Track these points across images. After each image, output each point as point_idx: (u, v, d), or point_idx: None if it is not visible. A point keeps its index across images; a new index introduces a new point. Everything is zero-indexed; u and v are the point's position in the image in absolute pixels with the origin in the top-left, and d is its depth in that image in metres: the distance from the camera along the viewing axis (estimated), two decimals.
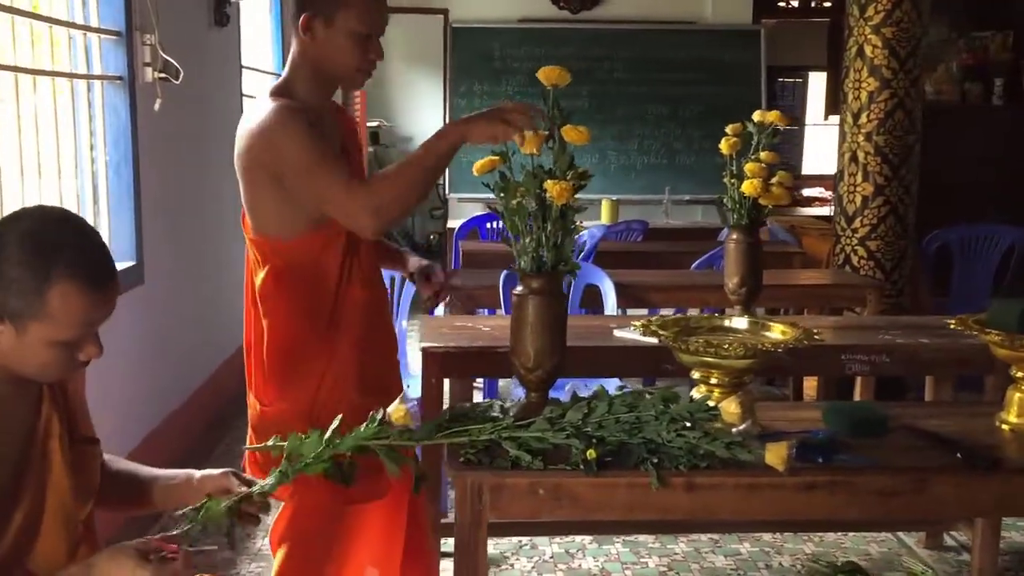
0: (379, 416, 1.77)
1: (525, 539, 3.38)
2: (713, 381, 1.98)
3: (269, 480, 1.73)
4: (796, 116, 12.09)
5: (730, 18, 8.23)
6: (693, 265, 4.59)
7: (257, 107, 1.99)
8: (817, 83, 11.57)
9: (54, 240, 1.43)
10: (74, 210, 3.32)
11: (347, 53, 2.04)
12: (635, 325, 2.06)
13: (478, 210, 7.70)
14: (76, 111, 3.35)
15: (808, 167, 11.84)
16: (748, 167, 2.89)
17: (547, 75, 2.00)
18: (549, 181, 1.89)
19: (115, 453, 2.06)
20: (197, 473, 1.74)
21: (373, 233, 1.98)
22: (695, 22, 8.24)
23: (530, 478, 1.78)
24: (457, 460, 1.81)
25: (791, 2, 9.27)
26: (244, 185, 2.01)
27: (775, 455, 1.76)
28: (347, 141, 2.16)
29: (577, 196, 1.94)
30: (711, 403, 1.88)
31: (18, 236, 1.42)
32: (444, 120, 7.77)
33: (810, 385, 5.02)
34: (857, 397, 3.82)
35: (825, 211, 7.45)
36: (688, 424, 1.82)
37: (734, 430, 1.88)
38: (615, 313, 3.82)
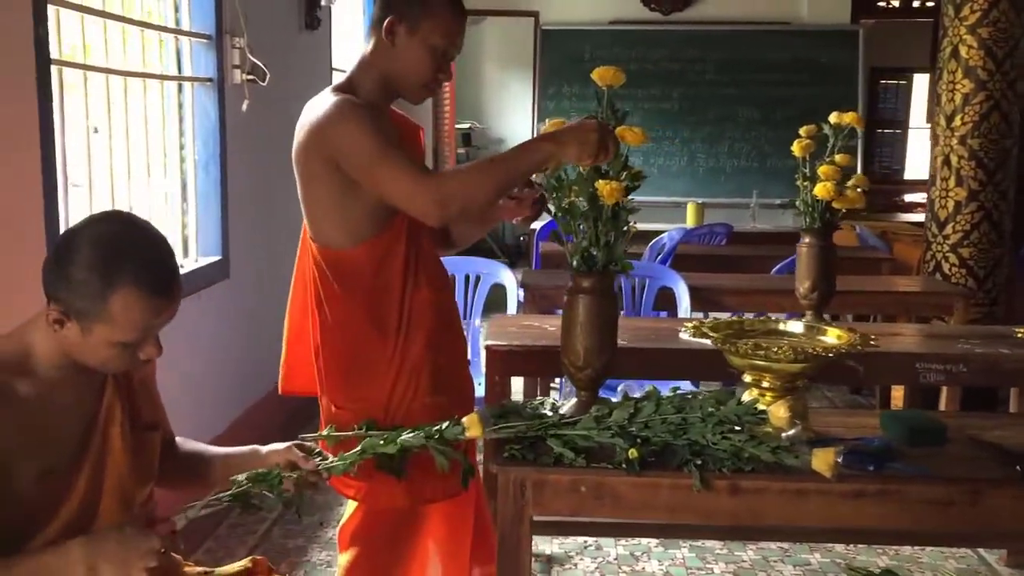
0: (455, 422, 1.82)
1: (590, 539, 3.38)
2: (765, 385, 1.96)
3: (337, 462, 1.79)
4: (899, 119, 11.75)
5: (827, 18, 8.07)
6: (773, 269, 4.51)
7: (317, 102, 2.01)
8: (922, 85, 11.24)
9: (121, 248, 1.50)
10: (163, 207, 3.47)
11: (421, 65, 2.05)
12: (686, 327, 2.05)
13: None
14: (165, 111, 3.49)
15: (911, 172, 11.50)
16: (821, 170, 2.86)
17: (602, 76, 2.03)
18: (600, 181, 1.91)
19: (207, 437, 2.17)
20: (263, 448, 1.81)
21: (436, 222, 1.97)
22: (790, 22, 8.10)
23: (572, 475, 1.80)
24: (501, 455, 1.83)
25: (891, 2, 9.02)
26: (302, 185, 2.04)
27: (822, 461, 1.73)
28: (406, 145, 2.13)
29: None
30: (760, 407, 1.87)
31: (88, 241, 1.49)
32: (533, 122, 7.81)
33: (898, 395, 4.88)
34: (942, 407, 3.71)
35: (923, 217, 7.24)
36: (736, 427, 1.81)
37: (783, 435, 1.86)
38: (687, 316, 3.79)
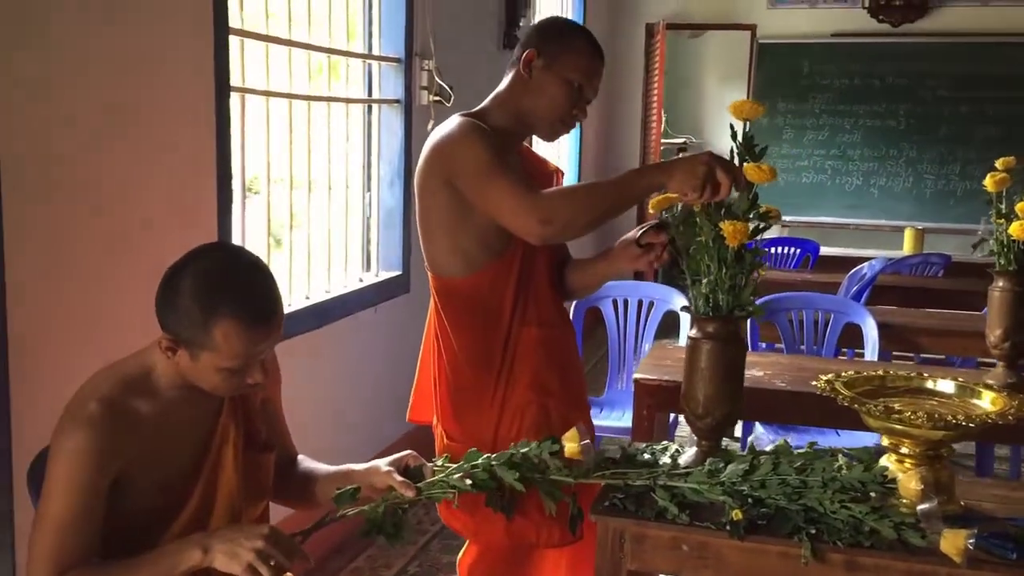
0: (552, 446, 1.78)
1: None
2: (904, 450, 1.78)
3: (436, 490, 1.77)
4: None
5: None
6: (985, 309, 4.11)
7: (443, 125, 2.04)
8: None
9: (221, 280, 1.56)
10: (344, 223, 3.63)
11: (556, 99, 2.04)
12: (819, 379, 1.90)
13: (772, 232, 7.42)
14: (349, 131, 3.64)
15: None
16: (1019, 207, 2.58)
17: (738, 109, 1.91)
18: (725, 222, 1.80)
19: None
20: (360, 467, 1.81)
21: (538, 240, 1.94)
22: None
23: (674, 532, 1.71)
24: (602, 503, 1.77)
25: None
26: (420, 208, 2.06)
27: (951, 543, 1.55)
28: (535, 182, 2.07)
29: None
30: (893, 474, 1.70)
31: (194, 273, 1.57)
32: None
33: None
34: None
35: None
36: (859, 495, 1.66)
37: (918, 508, 1.68)
38: (874, 358, 3.51)
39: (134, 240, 2.32)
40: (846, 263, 5.37)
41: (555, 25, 2.14)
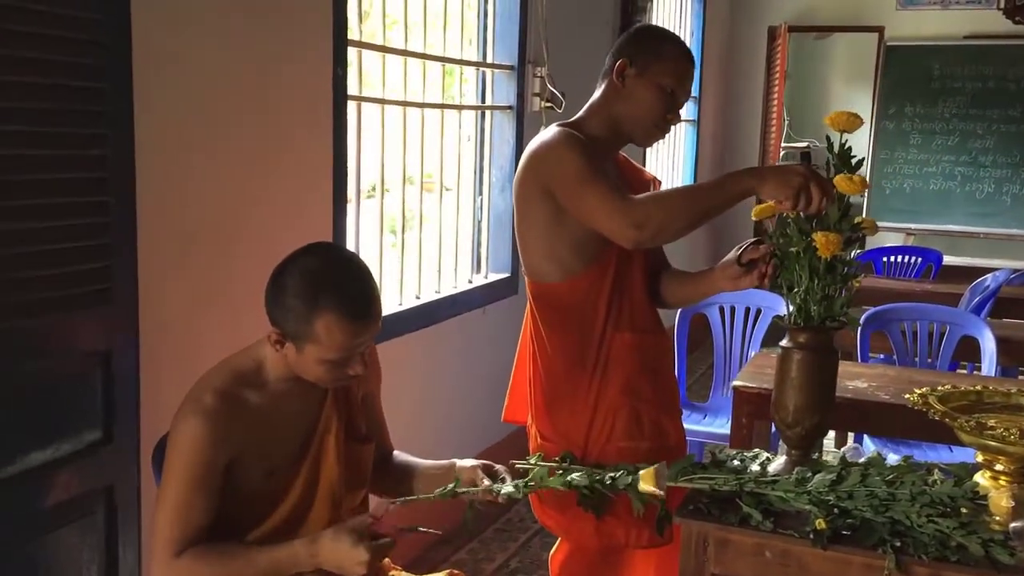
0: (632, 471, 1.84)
1: None
2: (998, 467, 1.75)
3: (508, 488, 1.85)
4: None
5: None
6: None
7: (541, 134, 2.10)
8: None
9: (324, 277, 1.67)
10: (454, 225, 3.74)
11: (649, 105, 2.09)
12: (913, 393, 1.88)
13: (896, 240, 7.21)
14: (461, 137, 3.74)
15: None
16: None
17: (835, 120, 1.92)
18: (817, 232, 1.81)
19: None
20: (459, 463, 1.92)
21: (632, 244, 1.96)
22: None
23: (758, 538, 1.73)
24: (688, 507, 1.80)
25: None
26: (517, 214, 2.13)
27: None
28: (630, 189, 2.12)
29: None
30: (984, 491, 1.68)
31: (299, 271, 1.68)
32: (868, 143, 7.38)
33: None
34: None
35: None
36: (947, 510, 1.65)
37: (1011, 526, 1.66)
38: (992, 373, 3.40)
39: (253, 241, 2.47)
40: (972, 273, 5.19)
41: (644, 33, 2.19)
